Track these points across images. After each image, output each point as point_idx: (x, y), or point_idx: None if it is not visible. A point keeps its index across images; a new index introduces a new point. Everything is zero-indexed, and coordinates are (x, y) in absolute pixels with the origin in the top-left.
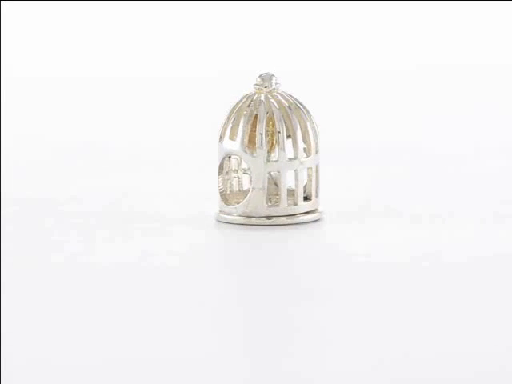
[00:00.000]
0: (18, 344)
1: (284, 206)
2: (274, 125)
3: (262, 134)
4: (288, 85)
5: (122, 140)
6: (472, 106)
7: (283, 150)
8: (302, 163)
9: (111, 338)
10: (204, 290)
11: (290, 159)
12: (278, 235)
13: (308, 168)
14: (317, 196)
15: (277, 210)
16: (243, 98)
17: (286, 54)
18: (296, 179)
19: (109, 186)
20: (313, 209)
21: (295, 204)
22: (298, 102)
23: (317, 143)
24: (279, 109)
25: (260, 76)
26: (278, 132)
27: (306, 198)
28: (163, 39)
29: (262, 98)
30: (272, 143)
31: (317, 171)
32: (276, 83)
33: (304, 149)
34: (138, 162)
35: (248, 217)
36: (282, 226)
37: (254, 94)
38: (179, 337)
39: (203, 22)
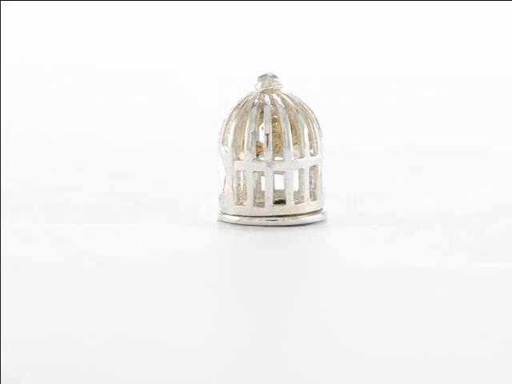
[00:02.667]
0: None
1: (250, 206)
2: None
3: (232, 133)
4: (299, 89)
5: (121, 140)
6: (475, 111)
7: (250, 149)
8: (269, 165)
9: (108, 336)
10: (203, 289)
11: (256, 160)
12: (269, 236)
13: (282, 172)
14: (298, 202)
15: (244, 209)
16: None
17: (296, 57)
18: (266, 181)
19: (109, 186)
20: (288, 213)
21: (262, 206)
22: (288, 104)
23: (301, 148)
24: (260, 110)
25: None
26: (252, 132)
27: (282, 202)
28: (164, 39)
29: (250, 98)
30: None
31: (300, 176)
32: (271, 84)
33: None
34: (138, 161)
35: (223, 214)
36: (285, 227)
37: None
38: (178, 336)
39: (211, 24)
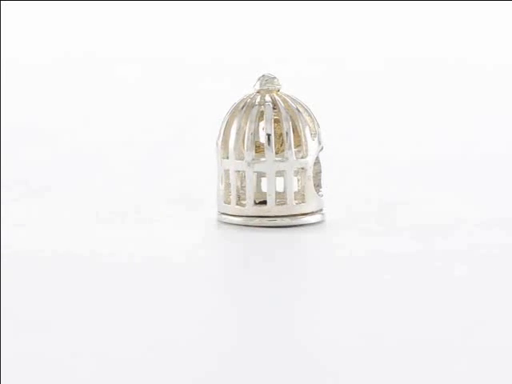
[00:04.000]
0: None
1: (233, 205)
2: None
3: (222, 132)
4: (305, 89)
5: (121, 140)
6: (474, 107)
7: (234, 148)
8: (249, 165)
9: (105, 335)
10: (203, 289)
11: (239, 159)
12: (266, 236)
13: (259, 172)
14: (281, 204)
15: (229, 208)
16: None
17: (297, 58)
18: (247, 180)
19: (108, 185)
20: (268, 214)
21: (243, 205)
22: (279, 106)
23: (285, 150)
24: (245, 110)
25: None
26: (237, 132)
27: (264, 202)
28: (164, 40)
29: (245, 98)
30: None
31: (272, 179)
32: (266, 85)
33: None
34: (138, 161)
35: (218, 211)
36: (284, 228)
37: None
38: (177, 337)
39: (212, 23)
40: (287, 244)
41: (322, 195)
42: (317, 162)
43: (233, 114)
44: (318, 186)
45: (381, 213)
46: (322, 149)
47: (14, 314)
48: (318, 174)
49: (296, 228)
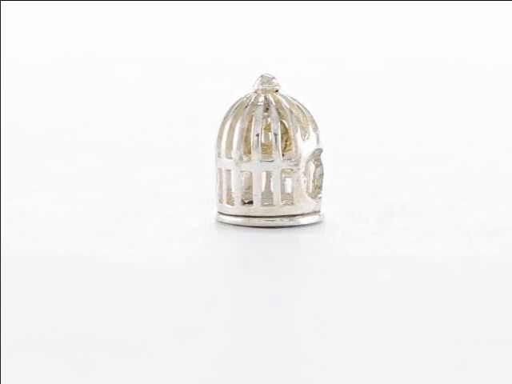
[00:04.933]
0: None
1: (224, 204)
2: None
3: (218, 131)
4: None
5: (121, 140)
6: (474, 107)
7: (224, 147)
8: (237, 164)
9: (104, 335)
10: (202, 289)
11: (229, 158)
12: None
13: (245, 172)
14: (268, 204)
15: (222, 207)
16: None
17: (298, 58)
18: (234, 179)
19: (109, 185)
20: (254, 215)
21: (232, 204)
22: (271, 106)
23: (272, 151)
24: (238, 110)
25: None
26: (228, 131)
27: (250, 202)
28: (163, 40)
29: (241, 97)
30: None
31: (258, 179)
32: (262, 85)
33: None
34: (138, 160)
35: (217, 212)
36: (283, 228)
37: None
38: (176, 337)
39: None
40: (287, 244)
41: (321, 197)
42: (319, 165)
43: (228, 114)
44: (319, 187)
45: (380, 214)
46: (321, 151)
47: (13, 314)
48: (320, 176)
49: (295, 229)
